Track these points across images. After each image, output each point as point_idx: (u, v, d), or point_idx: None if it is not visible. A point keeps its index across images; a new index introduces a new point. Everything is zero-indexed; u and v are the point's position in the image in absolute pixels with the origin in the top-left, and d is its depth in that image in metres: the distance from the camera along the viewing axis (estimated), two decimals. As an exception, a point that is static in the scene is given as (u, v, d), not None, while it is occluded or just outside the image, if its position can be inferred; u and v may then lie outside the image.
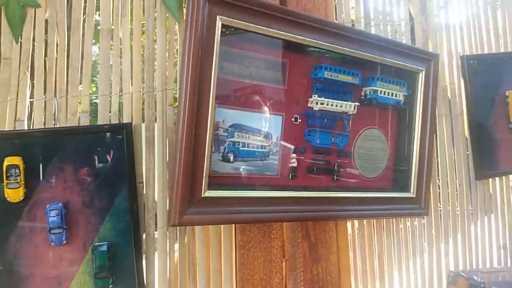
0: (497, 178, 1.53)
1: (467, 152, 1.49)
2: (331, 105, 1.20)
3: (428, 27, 1.44)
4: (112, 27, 1.11)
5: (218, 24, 0.96)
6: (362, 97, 1.27)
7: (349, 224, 1.33)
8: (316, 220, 1.23)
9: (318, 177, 1.22)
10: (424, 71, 1.33)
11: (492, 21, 1.55)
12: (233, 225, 1.15)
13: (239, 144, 1.08)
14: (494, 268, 1.46)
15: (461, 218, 1.47)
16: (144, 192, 1.08)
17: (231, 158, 1.07)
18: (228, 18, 0.98)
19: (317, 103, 1.18)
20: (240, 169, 1.08)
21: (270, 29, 1.05)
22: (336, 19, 1.34)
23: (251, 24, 1.02)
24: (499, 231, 1.53)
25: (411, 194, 1.35)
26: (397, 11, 1.42)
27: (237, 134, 1.08)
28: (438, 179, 1.46)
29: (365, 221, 1.36)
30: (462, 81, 1.48)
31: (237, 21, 1.01)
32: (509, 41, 1.57)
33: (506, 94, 1.50)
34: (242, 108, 1.08)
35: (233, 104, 1.07)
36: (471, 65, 1.48)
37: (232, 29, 1.02)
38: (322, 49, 1.15)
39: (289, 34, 1.07)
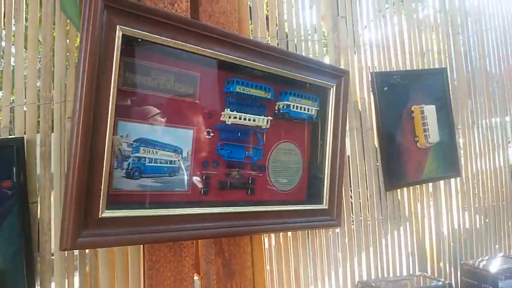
0: (405, 188, 1.62)
1: (377, 164, 1.56)
2: (244, 119, 1.19)
3: (340, 44, 1.50)
4: (3, 34, 1.01)
5: (118, 34, 0.91)
6: (276, 112, 1.28)
7: (265, 237, 1.33)
8: (231, 236, 1.22)
9: (232, 192, 1.20)
10: (334, 87, 1.38)
11: (399, 40, 1.66)
12: (141, 244, 1.09)
13: (145, 160, 1.03)
14: (402, 276, 1.53)
15: (372, 228, 1.54)
16: (39, 212, 0.99)
17: (136, 174, 1.01)
18: (131, 29, 0.94)
19: (230, 117, 1.17)
20: (147, 186, 1.03)
21: (178, 42, 1.02)
22: (251, 34, 1.35)
23: (157, 36, 0.99)
24: (407, 239, 1.62)
25: (324, 205, 1.38)
26: (311, 28, 1.46)
27: (143, 149, 1.03)
28: (351, 190, 1.51)
29: (281, 234, 1.37)
30: (372, 96, 1.56)
31: (142, 32, 0.96)
32: (415, 59, 1.68)
33: (412, 109, 1.61)
34: (149, 121, 1.03)
35: (139, 117, 1.02)
36: (380, 81, 1.56)
37: (137, 40, 0.98)
38: (234, 63, 1.14)
39: (198, 47, 1.05)
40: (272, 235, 1.37)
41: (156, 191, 1.05)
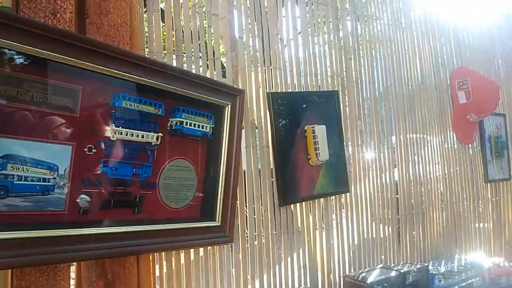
0: (298, 204, 1.70)
1: (272, 180, 1.61)
2: (131, 135, 1.16)
3: (238, 63, 1.54)
4: None
5: (-20, 43, 0.84)
6: (168, 128, 1.27)
7: (156, 256, 1.30)
8: (115, 257, 1.17)
9: (116, 211, 1.15)
10: (230, 105, 1.40)
11: (295, 62, 1.74)
12: (8, 269, 1.00)
13: (13, 177, 0.95)
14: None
15: (266, 243, 1.58)
16: None
17: (2, 193, 0.93)
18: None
19: (115, 133, 1.13)
20: (14, 205, 0.95)
21: (54, 54, 0.97)
22: (145, 49, 1.33)
23: (30, 48, 0.93)
24: (299, 252, 1.69)
25: (217, 222, 1.39)
26: (210, 46, 1.48)
27: (11, 166, 0.95)
28: (246, 206, 1.54)
29: (173, 252, 1.35)
30: (268, 115, 1.61)
31: (12, 43, 0.90)
32: (309, 81, 1.78)
33: (305, 128, 1.69)
34: (20, 136, 0.96)
35: (7, 132, 0.94)
36: (276, 101, 1.62)
37: (7, 50, 0.91)
38: (120, 78, 1.11)
39: (77, 61, 1.01)
40: (163, 254, 1.34)
41: (26, 211, 0.98)
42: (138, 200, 1.20)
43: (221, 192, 1.40)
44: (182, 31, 1.39)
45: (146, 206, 1.22)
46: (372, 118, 2.03)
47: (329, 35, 1.90)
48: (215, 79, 1.44)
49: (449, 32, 2.52)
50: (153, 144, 1.22)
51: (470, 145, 2.53)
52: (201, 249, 1.42)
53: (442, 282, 1.91)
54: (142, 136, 1.19)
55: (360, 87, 1.99)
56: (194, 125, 1.33)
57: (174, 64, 1.38)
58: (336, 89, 1.86)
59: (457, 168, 2.42)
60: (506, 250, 2.75)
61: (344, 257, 1.83)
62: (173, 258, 1.34)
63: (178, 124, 1.28)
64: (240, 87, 1.52)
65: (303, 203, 1.71)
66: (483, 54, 2.72)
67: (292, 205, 1.67)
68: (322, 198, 1.77)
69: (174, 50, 1.38)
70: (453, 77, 2.45)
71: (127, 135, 1.15)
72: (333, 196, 1.82)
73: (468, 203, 2.47)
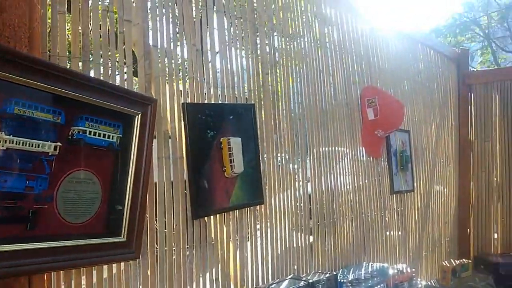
0: (212, 216, 1.68)
1: (186, 192, 1.58)
2: (24, 144, 1.07)
3: (151, 72, 1.50)
4: None
5: None
6: (69, 137, 1.18)
7: (53, 276, 1.20)
8: (2, 278, 1.05)
9: (5, 227, 1.05)
10: (140, 115, 1.36)
11: (212, 74, 1.74)
12: None
13: None
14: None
15: (177, 257, 1.54)
16: None
17: None
18: None
19: (5, 142, 1.03)
20: None
21: None
22: (47, 52, 1.23)
23: None
24: (213, 265, 1.67)
25: (122, 238, 1.32)
26: (121, 53, 1.42)
27: None
28: (156, 220, 1.49)
29: (73, 272, 1.25)
30: (183, 126, 1.59)
31: None
32: (226, 94, 1.79)
33: (220, 140, 1.69)
34: None
35: None
36: (191, 112, 1.60)
37: None
38: (12, 82, 1.02)
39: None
40: (61, 274, 1.24)
41: None
42: (31, 215, 1.10)
43: (128, 206, 1.33)
44: (90, 36, 1.32)
45: (41, 222, 1.13)
46: (288, 131, 2.09)
47: (247, 49, 1.93)
48: (125, 87, 1.38)
49: (361, 53, 2.70)
50: (50, 154, 1.13)
51: (377, 159, 2.71)
52: (105, 267, 1.34)
53: (350, 290, 2.01)
54: (38, 146, 1.10)
55: (276, 101, 2.04)
56: (99, 135, 1.25)
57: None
58: (252, 103, 1.89)
59: (366, 180, 2.58)
60: (410, 257, 2.98)
61: (257, 269, 1.85)
62: (72, 279, 1.25)
63: (80, 133, 1.20)
64: (154, 96, 1.48)
65: (217, 215, 1.70)
66: (391, 75, 2.96)
67: (206, 218, 1.65)
68: (237, 210, 1.78)
69: (80, 56, 1.30)
70: (363, 95, 2.62)
71: (19, 144, 1.06)
72: (248, 208, 1.83)
73: (375, 213, 2.65)
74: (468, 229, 3.71)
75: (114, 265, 1.35)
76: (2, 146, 1.03)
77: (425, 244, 3.19)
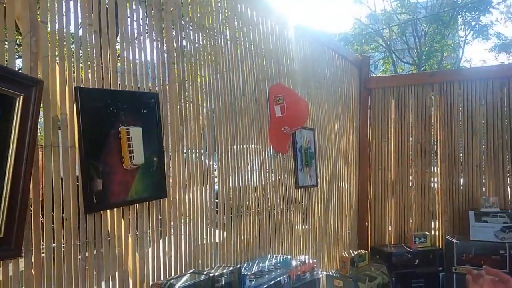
0: (108, 210, 1.58)
1: (77, 184, 1.46)
2: None
3: (38, 51, 1.35)
4: None
5: None
6: None
7: None
8: None
9: None
10: (22, 97, 1.22)
11: (111, 58, 1.64)
12: None
13: None
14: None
15: (67, 254, 1.41)
16: None
17: None
18: None
19: None
20: None
21: None
22: None
23: None
24: (109, 262, 1.57)
25: (-1, 234, 1.18)
26: (2, 27, 1.26)
27: None
28: (42, 214, 1.35)
29: None
30: (75, 112, 1.46)
31: None
32: (127, 80, 1.69)
33: (119, 130, 1.59)
34: None
35: None
36: (85, 97, 1.48)
37: None
38: None
39: None
40: None
41: None
42: None
43: (5, 198, 1.19)
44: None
45: None
46: (195, 124, 2.05)
47: (152, 36, 1.85)
48: (4, 65, 1.23)
49: (270, 51, 2.76)
50: None
51: (284, 155, 2.79)
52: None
53: (253, 282, 2.03)
54: None
55: (183, 92, 1.99)
56: (-30, 117, 1.10)
57: None
58: (156, 92, 1.82)
59: (272, 175, 2.65)
60: (313, 248, 3.12)
61: (159, 265, 1.78)
62: None
63: None
64: (41, 77, 1.34)
65: (115, 209, 1.60)
66: (299, 75, 3.07)
67: (101, 212, 1.55)
68: (137, 204, 1.69)
69: None
70: (271, 92, 2.68)
71: None
72: (150, 202, 1.76)
73: (281, 207, 2.72)
74: (366, 222, 4.00)
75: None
76: None
77: (327, 236, 3.37)
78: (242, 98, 2.42)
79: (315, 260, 2.66)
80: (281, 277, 2.21)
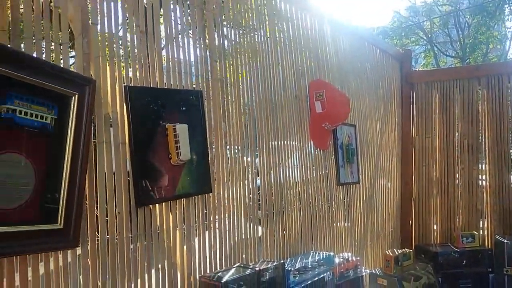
0: (157, 204, 1.63)
1: (129, 179, 1.52)
2: None
3: (90, 51, 1.42)
4: None
5: None
6: (-3, 116, 1.10)
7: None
8: None
9: None
10: (77, 95, 1.29)
11: (158, 58, 1.69)
12: None
13: None
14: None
15: (120, 246, 1.48)
16: None
17: None
18: None
19: None
20: None
21: None
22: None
23: None
24: (158, 254, 1.63)
25: (58, 225, 1.25)
26: (56, 29, 1.33)
27: None
28: (97, 207, 1.42)
29: (5, 260, 1.16)
30: (125, 110, 1.52)
31: None
32: (172, 78, 1.74)
33: (166, 126, 1.64)
34: None
35: None
36: (135, 96, 1.54)
37: None
38: None
39: None
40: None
41: None
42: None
43: (64, 192, 1.26)
44: (21, 9, 1.23)
45: (-39, 206, 1.03)
46: (237, 120, 2.08)
47: (195, 35, 1.89)
48: (60, 65, 1.30)
49: (309, 47, 2.74)
50: (-27, 133, 1.04)
51: (325, 151, 2.77)
52: (42, 255, 1.26)
53: (297, 278, 2.03)
54: (-42, 124, 1.01)
55: (225, 89, 2.02)
56: (31, 115, 1.17)
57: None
58: (200, 90, 1.86)
59: (313, 171, 2.63)
60: (355, 246, 3.07)
61: (205, 258, 1.82)
62: (5, 269, 1.15)
63: (9, 112, 1.12)
64: (93, 77, 1.41)
65: (163, 203, 1.65)
66: (339, 71, 3.03)
67: (151, 206, 1.60)
68: (184, 199, 1.74)
69: (9, 30, 1.20)
70: (311, 88, 2.66)
71: None
72: (195, 197, 1.80)
73: (323, 203, 2.70)
74: (410, 221, 3.89)
75: (51, 255, 1.27)
76: None
77: (370, 234, 3.31)
78: (282, 94, 2.43)
79: (358, 258, 2.62)
80: (325, 274, 2.20)
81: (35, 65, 1.16)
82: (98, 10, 1.46)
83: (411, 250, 3.20)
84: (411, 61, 4.27)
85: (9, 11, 1.20)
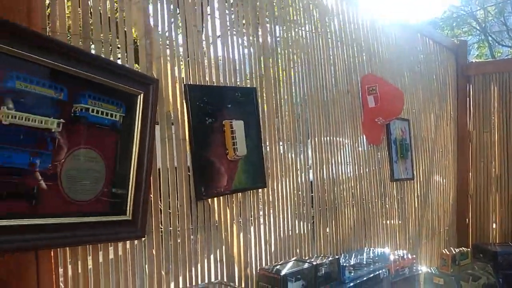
0: (215, 198, 1.68)
1: (189, 174, 1.58)
2: (27, 119, 1.06)
3: (152, 52, 1.49)
4: None
5: None
6: (72, 114, 1.18)
7: (59, 252, 1.20)
8: (8, 253, 1.05)
9: (10, 203, 1.05)
10: (142, 94, 1.35)
11: (214, 56, 1.74)
12: None
13: None
14: (201, 284, 1.56)
15: (181, 238, 1.54)
16: None
17: None
18: None
19: (8, 116, 1.02)
20: None
21: None
22: (48, 27, 1.22)
23: None
24: (216, 246, 1.68)
25: (128, 217, 1.32)
26: (122, 31, 1.41)
27: None
28: (160, 200, 1.49)
29: (79, 248, 1.25)
30: (185, 108, 1.58)
31: None
32: (228, 76, 1.78)
33: (223, 123, 1.69)
34: None
35: None
36: (193, 94, 1.59)
37: None
38: (14, 56, 1.01)
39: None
40: (68, 250, 1.23)
41: None
42: (35, 191, 1.10)
43: (132, 185, 1.34)
44: (90, 13, 1.31)
45: (45, 198, 1.12)
46: (289, 117, 2.09)
47: (248, 32, 1.92)
48: (126, 65, 1.37)
49: (361, 42, 2.70)
50: (53, 131, 1.13)
51: (378, 147, 2.71)
52: (111, 246, 1.34)
53: (352, 274, 2.01)
54: (41, 122, 1.09)
55: (277, 86, 2.04)
56: (102, 113, 1.25)
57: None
58: (254, 86, 1.88)
59: (366, 167, 2.59)
60: (410, 243, 2.99)
61: (260, 251, 1.85)
62: (79, 255, 1.24)
63: (83, 110, 1.19)
64: (155, 76, 1.47)
65: (221, 197, 1.70)
66: (391, 65, 2.95)
67: (209, 200, 1.65)
68: (240, 193, 1.78)
69: (80, 32, 1.29)
70: (363, 83, 2.62)
71: (22, 119, 1.05)
72: (251, 191, 1.83)
73: (376, 200, 2.65)
74: (467, 219, 3.73)
75: (120, 243, 1.35)
76: (5, 121, 1.02)
77: (425, 232, 3.21)
78: (334, 90, 2.41)
79: (414, 256, 2.55)
80: (380, 271, 2.16)
81: (106, 66, 1.23)
82: (159, 12, 1.52)
83: (468, 249, 3.07)
84: (466, 52, 4.08)
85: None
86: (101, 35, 1.34)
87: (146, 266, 1.44)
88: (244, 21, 1.92)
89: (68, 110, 1.16)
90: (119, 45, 1.40)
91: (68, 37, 1.27)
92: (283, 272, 1.60)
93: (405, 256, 2.47)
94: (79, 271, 1.25)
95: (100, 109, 1.24)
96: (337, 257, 1.98)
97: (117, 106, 1.29)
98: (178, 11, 1.62)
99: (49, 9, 1.25)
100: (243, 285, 1.70)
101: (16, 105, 1.03)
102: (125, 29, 1.42)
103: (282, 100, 2.07)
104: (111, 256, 1.33)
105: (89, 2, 1.32)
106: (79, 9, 1.28)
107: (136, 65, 1.47)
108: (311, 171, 2.21)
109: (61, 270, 1.22)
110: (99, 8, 1.34)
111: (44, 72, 1.09)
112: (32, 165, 1.09)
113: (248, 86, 1.89)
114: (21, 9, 1.09)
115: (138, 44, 1.46)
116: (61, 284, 1.23)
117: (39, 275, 1.13)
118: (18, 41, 1.01)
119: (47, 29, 1.21)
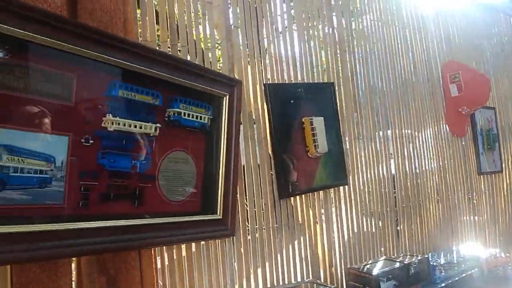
0: (297, 197, 1.67)
1: (271, 173, 1.59)
2: (129, 125, 1.12)
3: (233, 54, 1.51)
4: None
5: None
6: (166, 119, 1.23)
7: (157, 250, 1.26)
8: (115, 252, 1.12)
9: (116, 204, 1.12)
10: (227, 96, 1.38)
11: (291, 54, 1.72)
12: (7, 265, 0.95)
13: (9, 169, 0.91)
14: (292, 284, 1.56)
15: (267, 236, 1.55)
16: None
17: (-2, 186, 0.89)
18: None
19: (112, 123, 1.09)
20: (12, 199, 0.91)
21: (45, 39, 0.93)
22: (140, 36, 1.29)
23: (19, 31, 0.89)
24: (301, 246, 1.67)
25: (218, 216, 1.36)
26: (204, 36, 1.45)
27: (7, 157, 0.91)
28: (246, 199, 1.51)
29: (174, 246, 1.31)
30: (265, 107, 1.59)
31: (3, 25, 0.86)
32: (305, 72, 1.76)
33: (302, 120, 1.67)
34: (13, 126, 0.92)
35: (1, 121, 0.90)
36: (273, 92, 1.60)
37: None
38: (116, 66, 1.08)
39: (70, 46, 0.97)
40: (164, 248, 1.30)
41: (24, 205, 0.93)
42: (138, 193, 1.17)
43: (221, 185, 1.36)
44: (176, 20, 1.36)
45: (146, 199, 1.18)
46: (368, 110, 2.02)
47: (323, 27, 1.89)
48: (212, 69, 1.41)
49: (440, 28, 2.54)
50: (151, 135, 1.19)
51: (462, 138, 2.54)
52: (202, 242, 1.38)
53: (443, 273, 1.91)
54: (140, 127, 1.15)
55: (355, 79, 1.98)
56: (192, 116, 1.29)
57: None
58: (331, 81, 1.85)
59: (451, 160, 2.44)
60: (501, 241, 2.77)
61: (344, 250, 1.81)
62: (174, 251, 1.30)
63: (176, 115, 1.24)
64: (237, 77, 1.49)
65: (303, 195, 1.68)
66: (472, 48, 2.75)
67: (292, 198, 1.65)
68: (322, 191, 1.75)
69: (168, 39, 1.34)
70: (444, 70, 2.46)
71: (124, 125, 1.11)
72: (332, 189, 1.80)
73: (462, 195, 2.49)
74: None
75: (210, 241, 1.39)
76: (110, 127, 1.09)
77: (518, 229, 2.95)
78: (414, 80, 2.29)
79: (508, 255, 2.36)
80: (472, 270, 2.02)
81: (194, 70, 1.27)
82: (238, 14, 1.54)
83: None
84: (558, 29, 3.67)
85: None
86: (187, 39, 1.38)
87: (235, 263, 1.47)
88: (319, 15, 1.88)
89: (162, 115, 1.22)
90: (203, 48, 1.43)
91: (158, 44, 1.33)
92: (374, 272, 1.56)
93: (498, 255, 2.29)
94: (175, 266, 1.30)
95: (191, 112, 1.28)
96: (426, 256, 1.88)
97: (205, 109, 1.33)
98: (256, 9, 1.63)
99: (140, 20, 1.31)
100: (329, 284, 1.68)
101: (118, 112, 1.10)
102: (208, 32, 1.45)
103: (360, 93, 2.00)
104: (204, 252, 1.37)
105: (174, 9, 1.36)
106: (166, 16, 1.34)
107: (219, 67, 1.51)
108: (393, 166, 2.12)
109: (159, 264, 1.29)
110: (184, 15, 1.38)
111: (141, 79, 1.14)
112: (134, 168, 1.15)
113: (325, 80, 1.85)
114: (117, 22, 1.16)
115: (219, 46, 1.49)
116: (159, 280, 1.30)
117: (142, 271, 1.19)
118: (118, 51, 1.07)
119: (139, 38, 1.28)
